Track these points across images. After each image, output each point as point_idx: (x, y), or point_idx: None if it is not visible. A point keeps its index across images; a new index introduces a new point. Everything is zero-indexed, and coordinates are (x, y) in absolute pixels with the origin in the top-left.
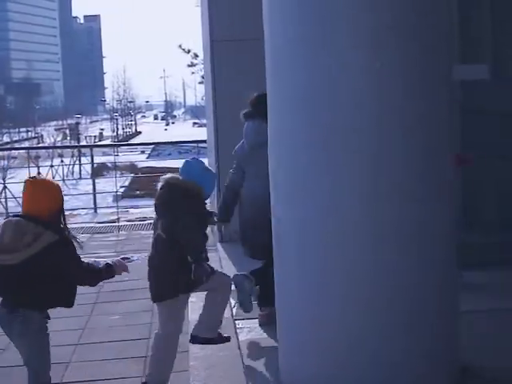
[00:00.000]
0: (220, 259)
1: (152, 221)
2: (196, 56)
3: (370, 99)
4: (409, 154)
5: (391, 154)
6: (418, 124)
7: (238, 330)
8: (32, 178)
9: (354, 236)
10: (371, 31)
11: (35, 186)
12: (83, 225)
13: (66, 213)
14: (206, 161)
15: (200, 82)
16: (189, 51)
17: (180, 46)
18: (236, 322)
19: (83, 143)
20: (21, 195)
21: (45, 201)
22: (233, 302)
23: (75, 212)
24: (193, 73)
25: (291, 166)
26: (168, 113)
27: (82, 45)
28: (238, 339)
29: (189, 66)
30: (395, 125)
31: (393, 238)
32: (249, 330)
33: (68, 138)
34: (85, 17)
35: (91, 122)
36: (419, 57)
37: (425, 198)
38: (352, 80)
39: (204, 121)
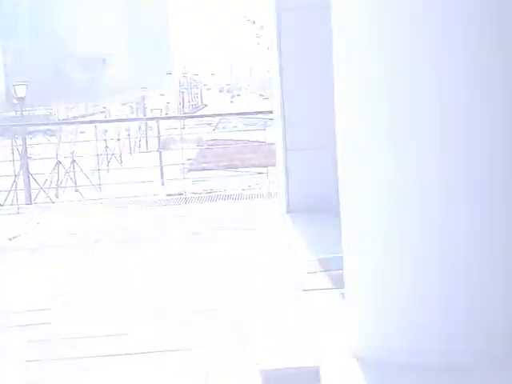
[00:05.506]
0: None
1: (218, 193)
2: (262, 27)
3: None
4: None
5: None
6: None
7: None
8: None
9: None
10: None
11: None
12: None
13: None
14: (272, 133)
15: (266, 54)
16: (254, 22)
17: (246, 17)
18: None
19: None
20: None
21: None
22: None
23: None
24: (258, 44)
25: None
26: (233, 85)
27: None
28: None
29: (255, 37)
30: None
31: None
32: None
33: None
34: None
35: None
36: None
37: None
38: None
39: (270, 93)
